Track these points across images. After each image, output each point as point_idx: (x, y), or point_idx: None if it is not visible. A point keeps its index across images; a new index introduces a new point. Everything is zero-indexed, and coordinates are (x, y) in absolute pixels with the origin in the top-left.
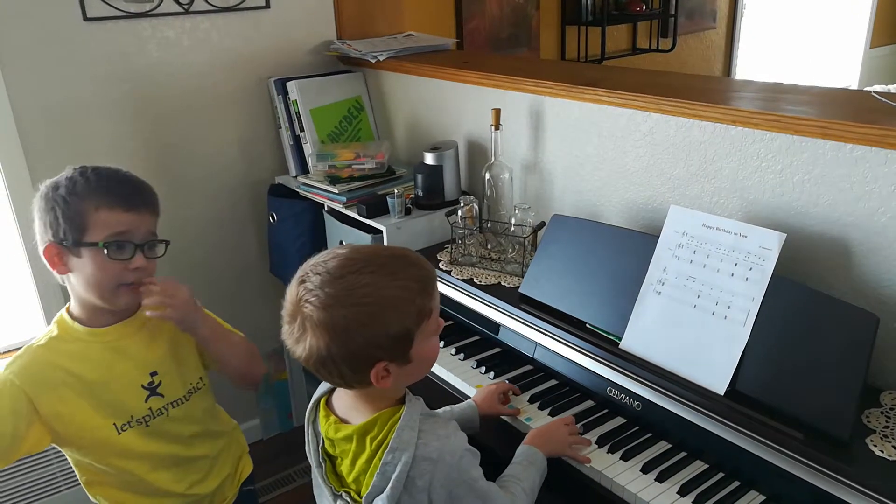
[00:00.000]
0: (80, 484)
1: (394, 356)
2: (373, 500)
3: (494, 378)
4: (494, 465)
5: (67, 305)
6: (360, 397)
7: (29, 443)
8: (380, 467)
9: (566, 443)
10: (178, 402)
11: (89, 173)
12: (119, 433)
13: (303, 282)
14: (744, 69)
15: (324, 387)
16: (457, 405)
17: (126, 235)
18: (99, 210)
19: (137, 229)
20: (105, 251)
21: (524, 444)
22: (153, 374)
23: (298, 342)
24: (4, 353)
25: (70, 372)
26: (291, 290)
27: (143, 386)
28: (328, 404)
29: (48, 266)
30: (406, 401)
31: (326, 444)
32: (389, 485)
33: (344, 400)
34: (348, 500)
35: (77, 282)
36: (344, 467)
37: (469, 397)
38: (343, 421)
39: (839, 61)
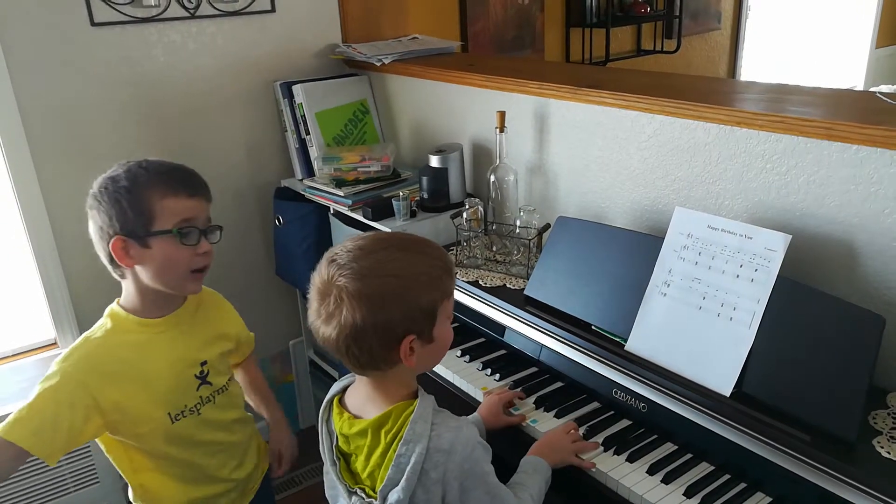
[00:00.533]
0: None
1: (421, 330)
2: (388, 494)
3: (500, 380)
4: (501, 472)
5: (117, 300)
6: (376, 388)
7: (86, 435)
8: (394, 460)
9: (570, 450)
10: (222, 390)
11: (146, 164)
12: (173, 422)
13: (333, 260)
14: (749, 70)
15: (337, 386)
16: (463, 418)
17: (192, 221)
18: (165, 198)
19: (200, 215)
20: (178, 238)
21: (528, 455)
22: (203, 363)
23: (332, 318)
24: (14, 355)
25: (128, 363)
26: (321, 272)
27: (195, 375)
28: (341, 402)
29: (114, 260)
30: (419, 395)
31: (341, 442)
32: (404, 477)
33: (358, 396)
34: (363, 496)
35: (145, 273)
36: (358, 464)
37: (475, 399)
38: (357, 417)
39: (844, 62)
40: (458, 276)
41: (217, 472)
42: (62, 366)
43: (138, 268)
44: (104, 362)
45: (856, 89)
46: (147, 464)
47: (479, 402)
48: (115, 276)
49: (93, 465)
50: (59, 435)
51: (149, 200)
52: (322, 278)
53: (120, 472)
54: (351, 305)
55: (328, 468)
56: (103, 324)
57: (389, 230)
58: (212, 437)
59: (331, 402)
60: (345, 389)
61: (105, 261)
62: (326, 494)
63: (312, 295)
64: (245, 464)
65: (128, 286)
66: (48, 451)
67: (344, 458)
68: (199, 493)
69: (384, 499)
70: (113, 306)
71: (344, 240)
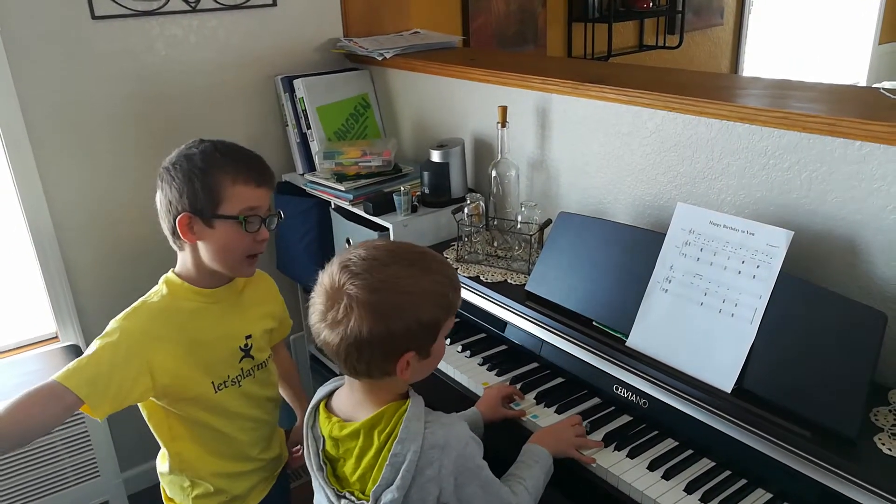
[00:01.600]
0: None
1: (421, 347)
2: (381, 494)
3: (500, 376)
4: (500, 466)
5: (173, 269)
6: (367, 392)
7: (133, 396)
8: (389, 459)
9: (572, 444)
10: (261, 366)
11: (221, 147)
12: (216, 391)
13: (345, 267)
14: (751, 66)
15: (322, 391)
16: (460, 413)
17: (256, 210)
18: (236, 184)
19: (264, 204)
20: (242, 224)
21: (529, 443)
22: (248, 336)
23: (338, 324)
24: (16, 348)
25: (181, 328)
26: (332, 276)
27: (239, 347)
28: (328, 407)
29: (176, 233)
30: (410, 395)
31: (328, 446)
32: (399, 476)
33: (348, 400)
34: (352, 499)
35: (205, 250)
36: (348, 467)
37: (475, 394)
38: (346, 420)
39: (848, 57)
40: (458, 271)
41: (249, 451)
42: (122, 324)
43: (199, 244)
44: (160, 326)
45: (858, 85)
46: (185, 433)
47: (479, 396)
48: (174, 246)
49: (93, 458)
50: (111, 390)
51: (220, 184)
52: (332, 282)
53: (158, 440)
54: (360, 316)
55: (314, 474)
56: (159, 289)
57: (378, 236)
58: (248, 412)
59: (316, 407)
60: (330, 394)
61: (167, 232)
62: (314, 499)
63: (318, 296)
64: (272, 446)
65: (184, 258)
66: (97, 403)
67: (330, 464)
68: (231, 468)
69: (377, 500)
70: (168, 274)
71: (356, 244)
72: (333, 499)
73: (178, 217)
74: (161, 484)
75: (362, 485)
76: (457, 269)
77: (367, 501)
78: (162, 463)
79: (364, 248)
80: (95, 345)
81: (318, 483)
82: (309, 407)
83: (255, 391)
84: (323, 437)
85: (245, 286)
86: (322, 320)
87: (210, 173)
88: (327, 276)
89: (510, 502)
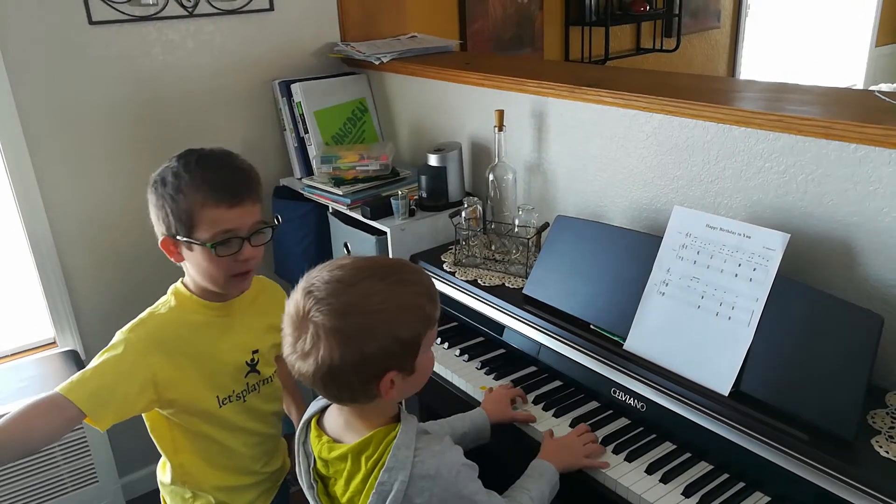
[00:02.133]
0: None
1: (402, 365)
2: None
3: (498, 379)
4: (501, 475)
5: (181, 279)
6: (355, 414)
7: (137, 407)
8: (376, 487)
9: (580, 454)
10: (267, 381)
11: (193, 166)
12: (220, 406)
13: (309, 293)
14: (748, 69)
15: (314, 407)
16: (466, 413)
17: (232, 232)
18: (205, 207)
19: (243, 222)
20: (213, 250)
21: (537, 458)
22: (255, 351)
23: (308, 356)
24: (14, 354)
25: (188, 341)
26: (296, 303)
27: (246, 362)
28: (319, 424)
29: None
30: (402, 419)
31: (319, 465)
32: None
33: (336, 419)
34: None
35: (191, 270)
36: (338, 488)
37: (474, 398)
38: (336, 441)
39: (844, 60)
40: (456, 274)
41: (252, 465)
42: (127, 336)
43: (186, 263)
44: (167, 339)
45: (855, 88)
46: (188, 445)
47: (478, 401)
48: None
49: (91, 464)
50: (114, 402)
51: (191, 208)
52: (297, 309)
53: (161, 451)
54: (329, 344)
55: (305, 491)
56: (167, 300)
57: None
58: (252, 426)
59: (308, 423)
60: (323, 410)
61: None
62: None
63: (286, 325)
64: (274, 459)
65: (187, 270)
66: (100, 416)
67: (322, 482)
68: (233, 481)
69: None
70: (177, 284)
71: (322, 265)
72: None
73: (160, 241)
74: (161, 493)
75: None
76: (454, 272)
77: None
78: (163, 473)
79: (328, 269)
80: (100, 357)
81: (308, 501)
82: (301, 422)
83: (259, 406)
84: (314, 454)
85: (256, 298)
86: (293, 351)
87: (178, 199)
88: (292, 304)
89: None
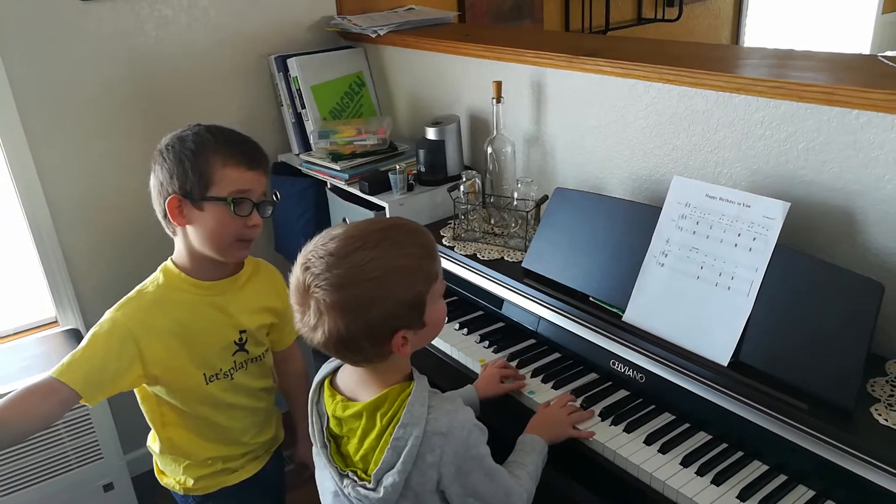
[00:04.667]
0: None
1: (410, 323)
2: (382, 477)
3: (498, 353)
4: (498, 446)
5: (171, 257)
6: (369, 373)
7: (126, 383)
8: (391, 443)
9: (567, 423)
10: (257, 359)
11: (214, 130)
12: (207, 383)
13: (307, 268)
14: (753, 38)
15: (327, 367)
16: (456, 390)
17: (247, 193)
18: (226, 166)
19: (256, 188)
20: (231, 206)
21: (524, 434)
22: (242, 332)
23: (316, 329)
24: (15, 334)
25: (176, 320)
26: (296, 278)
27: (234, 341)
28: (332, 384)
29: (167, 216)
30: (414, 377)
31: (332, 424)
32: (400, 460)
33: (350, 378)
34: (355, 479)
35: (195, 234)
36: (351, 446)
37: (473, 371)
38: (350, 399)
39: (851, 28)
40: (455, 249)
41: (240, 436)
42: (115, 314)
43: (189, 228)
44: (153, 316)
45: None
46: (176, 420)
47: (477, 375)
48: (168, 231)
49: (96, 441)
50: (105, 379)
51: (210, 165)
52: (297, 286)
53: (150, 424)
54: (332, 317)
55: (318, 450)
56: (156, 278)
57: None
58: (240, 402)
59: (321, 383)
60: (335, 370)
61: (159, 216)
62: (315, 475)
63: (293, 300)
64: (265, 431)
65: (179, 245)
66: (92, 395)
67: (334, 441)
68: (221, 452)
69: (378, 482)
70: (167, 263)
71: (316, 238)
72: (336, 477)
73: (168, 199)
74: (153, 458)
75: (365, 465)
76: (453, 247)
77: (370, 482)
78: (153, 442)
79: (322, 242)
80: (89, 335)
81: (321, 460)
82: (314, 382)
83: (247, 383)
84: (327, 414)
85: (248, 280)
86: (304, 325)
87: (201, 155)
88: (294, 278)
89: (513, 487)
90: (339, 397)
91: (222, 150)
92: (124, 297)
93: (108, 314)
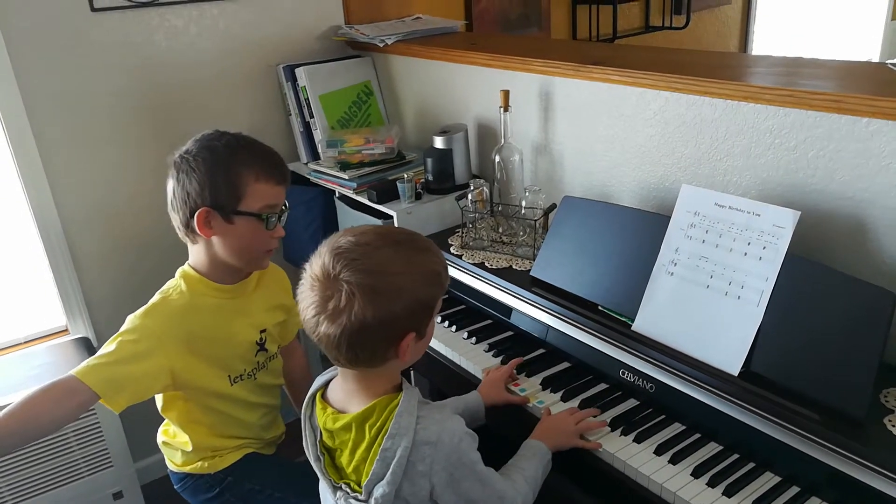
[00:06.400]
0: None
1: (420, 327)
2: (373, 488)
3: (506, 362)
4: (505, 451)
5: (188, 262)
6: (359, 383)
7: (152, 391)
8: (379, 454)
9: (572, 433)
10: (273, 357)
11: (244, 142)
12: (231, 384)
13: (339, 254)
14: (760, 45)
15: (319, 380)
16: (461, 396)
17: (275, 208)
18: (258, 181)
19: (281, 201)
20: (264, 222)
21: (529, 439)
22: (262, 331)
23: (340, 314)
24: (26, 342)
25: (202, 325)
26: (323, 266)
27: (256, 342)
28: (324, 397)
29: (189, 225)
30: (403, 388)
31: (325, 437)
32: (390, 471)
33: (341, 391)
34: (348, 490)
35: (221, 245)
36: (343, 458)
37: (481, 381)
38: (340, 411)
39: (859, 35)
40: (463, 257)
41: (259, 433)
42: (143, 321)
43: (215, 239)
44: (182, 323)
45: (866, 62)
46: (202, 418)
47: (481, 382)
48: (185, 239)
49: (106, 449)
50: (129, 386)
51: (243, 180)
52: (325, 271)
53: (175, 425)
54: (362, 302)
55: (312, 464)
56: (177, 285)
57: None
58: (260, 400)
59: (313, 397)
60: (326, 384)
61: (180, 224)
62: (320, 487)
63: (310, 289)
64: (275, 426)
65: (198, 251)
66: (115, 399)
67: (328, 454)
68: (236, 443)
69: (370, 493)
70: (185, 268)
71: (340, 232)
72: (330, 489)
73: (198, 211)
74: (166, 452)
75: (357, 476)
76: (461, 255)
77: (362, 494)
78: (165, 436)
79: (352, 234)
80: (115, 340)
81: (318, 473)
82: (307, 396)
83: (267, 381)
84: (319, 427)
85: (260, 278)
86: (322, 312)
87: (233, 168)
88: (318, 267)
89: (507, 491)
90: (329, 410)
91: (256, 164)
92: (149, 304)
93: (134, 320)
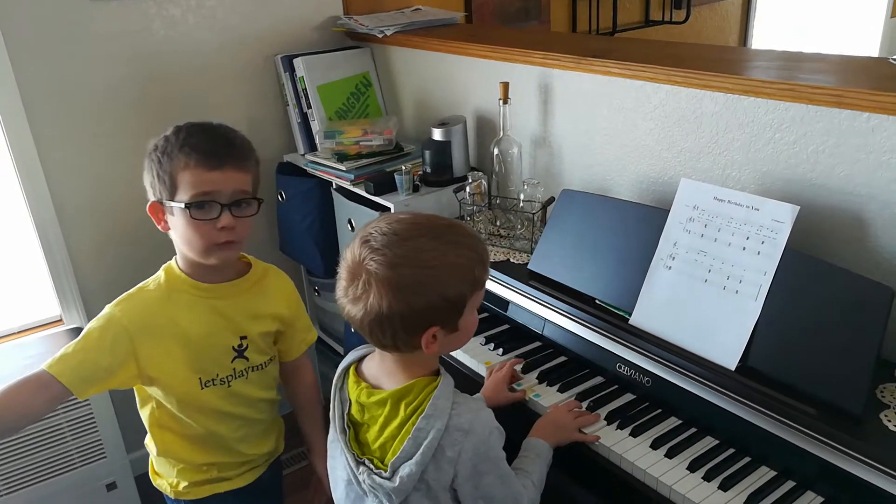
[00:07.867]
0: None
1: (446, 321)
2: (399, 466)
3: (503, 355)
4: (505, 449)
5: (174, 257)
6: (397, 363)
7: (118, 380)
8: (412, 433)
9: (572, 428)
10: (258, 367)
11: (182, 132)
12: (202, 388)
13: (367, 242)
14: (761, 40)
15: (354, 354)
16: (480, 402)
17: (211, 195)
18: (186, 169)
19: (224, 188)
20: (188, 211)
21: (530, 437)
22: (243, 337)
23: (359, 300)
24: (21, 331)
25: (172, 320)
26: (353, 251)
27: (233, 347)
28: (357, 371)
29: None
30: (441, 374)
31: (354, 410)
32: (420, 451)
33: (378, 366)
34: (371, 466)
35: (175, 239)
36: (371, 434)
37: (478, 374)
38: (375, 387)
39: (859, 31)
40: None
41: (234, 445)
42: (112, 310)
43: (170, 233)
44: (150, 315)
45: (867, 56)
46: (172, 424)
47: (482, 377)
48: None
49: (99, 440)
50: (96, 374)
51: (174, 169)
52: (353, 258)
53: (146, 426)
54: (379, 292)
55: (335, 436)
56: (157, 277)
57: (392, 206)
58: (236, 411)
59: (346, 370)
60: (361, 359)
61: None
62: (328, 464)
63: (342, 271)
64: (264, 443)
65: (175, 244)
66: (82, 389)
67: (353, 427)
68: (216, 459)
69: (395, 471)
70: (170, 262)
71: (381, 216)
72: (352, 464)
73: (148, 205)
74: (150, 458)
75: (382, 453)
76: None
77: (385, 471)
78: (150, 443)
79: (386, 222)
80: (85, 329)
81: (338, 447)
82: (339, 369)
83: (246, 392)
84: (350, 400)
85: (254, 285)
86: (345, 296)
87: (163, 160)
88: (349, 251)
89: (522, 494)
90: (363, 384)
91: (182, 153)
92: (124, 294)
93: (106, 309)
